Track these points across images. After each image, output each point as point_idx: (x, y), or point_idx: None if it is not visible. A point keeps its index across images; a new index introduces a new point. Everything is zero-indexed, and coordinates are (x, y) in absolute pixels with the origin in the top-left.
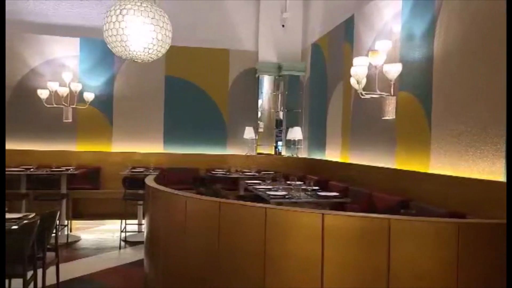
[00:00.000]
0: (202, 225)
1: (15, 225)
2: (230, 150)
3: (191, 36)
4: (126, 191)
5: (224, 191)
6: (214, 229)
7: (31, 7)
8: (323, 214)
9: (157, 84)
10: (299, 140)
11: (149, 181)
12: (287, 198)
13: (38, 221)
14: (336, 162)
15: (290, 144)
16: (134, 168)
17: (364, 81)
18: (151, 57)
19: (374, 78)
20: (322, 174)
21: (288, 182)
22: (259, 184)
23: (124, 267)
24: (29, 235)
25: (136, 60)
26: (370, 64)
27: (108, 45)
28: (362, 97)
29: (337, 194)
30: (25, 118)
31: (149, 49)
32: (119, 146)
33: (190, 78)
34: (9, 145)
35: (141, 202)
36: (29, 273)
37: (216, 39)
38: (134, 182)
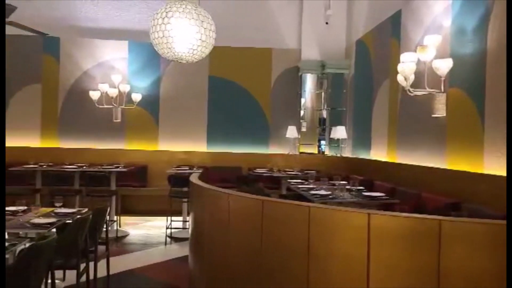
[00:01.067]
0: (245, 223)
1: (69, 220)
2: (272, 149)
3: (234, 36)
4: (172, 188)
5: (267, 190)
6: (257, 227)
7: (84, 13)
8: (369, 214)
9: (201, 84)
10: (343, 139)
11: (194, 178)
12: (331, 198)
13: (91, 216)
14: (382, 162)
15: (333, 143)
16: (178, 166)
17: (412, 78)
18: (195, 58)
19: (422, 75)
20: (367, 174)
21: (332, 181)
22: (302, 183)
23: (169, 262)
24: (82, 229)
25: (181, 61)
26: (418, 60)
27: (154, 47)
28: (410, 94)
29: (383, 194)
30: (78, 119)
31: (194, 49)
32: (164, 145)
33: (233, 78)
34: (64, 144)
35: (185, 200)
36: (82, 265)
37: (259, 38)
38: (179, 180)
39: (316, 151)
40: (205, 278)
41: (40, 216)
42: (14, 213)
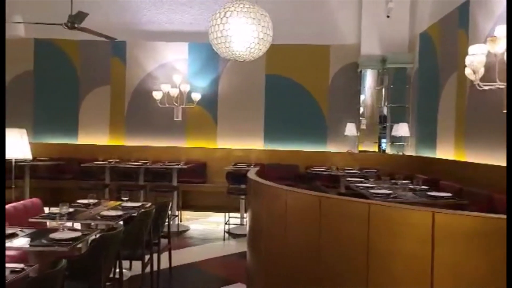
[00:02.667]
0: (303, 220)
1: (135, 213)
2: (330, 147)
3: (291, 34)
4: (230, 185)
5: (324, 188)
6: (315, 224)
7: (148, 17)
8: (433, 212)
9: (258, 83)
10: (405, 137)
11: (251, 174)
12: (393, 197)
13: (154, 210)
14: (449, 160)
15: (395, 141)
16: (236, 164)
17: (481, 71)
18: (253, 56)
19: (493, 68)
20: (431, 173)
21: (394, 180)
22: (362, 182)
23: (227, 258)
24: (146, 222)
25: (238, 59)
26: (488, 52)
27: (213, 47)
28: (480, 88)
29: (449, 195)
30: (142, 118)
31: (251, 48)
32: (222, 143)
33: (290, 75)
34: (129, 142)
35: (243, 196)
36: (146, 257)
37: (316, 35)
38: (237, 177)
39: (376, 149)
40: (263, 274)
41: (109, 209)
42: (86, 206)
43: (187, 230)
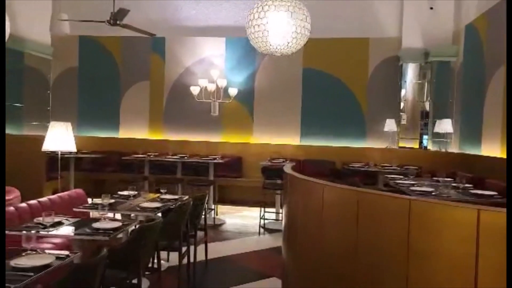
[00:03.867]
0: (340, 215)
1: (173, 205)
2: (369, 143)
3: (329, 27)
4: (265, 180)
5: (362, 184)
6: (352, 220)
7: (187, 13)
8: (479, 209)
9: (295, 77)
10: (448, 133)
11: (287, 169)
12: (434, 195)
13: (191, 203)
14: (496, 158)
15: (437, 137)
16: (272, 159)
17: None
18: (290, 50)
19: None
20: (476, 171)
21: (435, 178)
22: (401, 179)
23: (263, 252)
24: (183, 214)
25: (276, 54)
26: None
27: (250, 42)
28: None
29: (495, 193)
30: (180, 112)
31: (289, 42)
32: (258, 138)
33: (328, 70)
34: (167, 136)
35: (279, 192)
36: (183, 249)
37: (355, 28)
38: (272, 172)
39: (417, 146)
40: (298, 271)
41: (148, 201)
42: (126, 197)
43: (223, 223)
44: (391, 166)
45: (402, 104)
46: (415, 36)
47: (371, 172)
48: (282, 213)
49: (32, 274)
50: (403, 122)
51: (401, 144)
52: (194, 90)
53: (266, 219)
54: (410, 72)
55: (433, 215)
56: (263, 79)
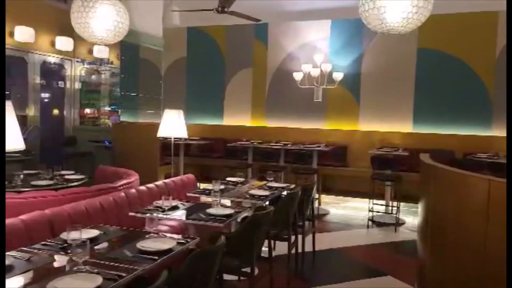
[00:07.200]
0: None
1: (280, 194)
2: (496, 131)
3: (450, 1)
4: (374, 170)
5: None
6: None
7: None
8: None
9: (407, 59)
10: None
11: (426, 159)
12: None
13: (299, 192)
14: None
15: None
16: (381, 147)
17: None
18: (409, 28)
19: None
20: None
21: None
22: None
23: (373, 247)
24: (292, 204)
25: (392, 32)
26: None
27: (363, 21)
28: None
29: None
30: (282, 99)
31: (408, 19)
32: (365, 125)
33: (447, 49)
34: (270, 123)
35: (389, 183)
36: (292, 238)
37: (481, 0)
38: (383, 161)
39: None
40: (447, 276)
41: (255, 188)
42: (234, 184)
43: (327, 214)
44: None
45: None
46: None
47: (500, 163)
48: (392, 205)
49: (156, 258)
50: None
51: None
52: (297, 76)
53: (375, 211)
54: None
55: None
56: (371, 62)
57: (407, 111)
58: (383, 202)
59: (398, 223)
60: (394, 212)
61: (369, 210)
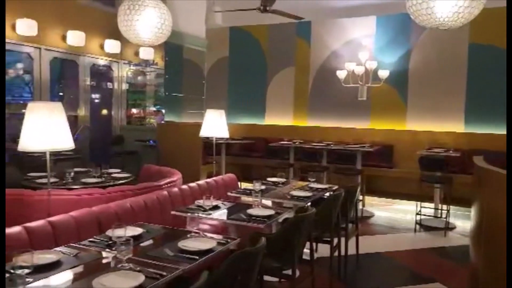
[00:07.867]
0: None
1: (322, 195)
2: None
3: None
4: (423, 172)
5: None
6: None
7: None
8: None
9: (458, 55)
10: None
11: (479, 161)
12: None
13: (343, 193)
14: None
15: None
16: (430, 148)
17: None
18: (460, 22)
19: None
20: None
21: None
22: None
23: (420, 252)
24: (335, 205)
25: (442, 27)
26: None
27: (411, 15)
28: None
29: None
30: (325, 98)
31: (459, 13)
32: (412, 124)
33: (501, 44)
34: (312, 123)
35: (438, 185)
36: (334, 241)
37: None
38: (432, 162)
39: None
40: (501, 279)
41: (297, 189)
42: (275, 184)
43: (371, 216)
44: None
45: None
46: None
47: None
48: (442, 209)
49: (197, 257)
50: None
51: None
52: (341, 74)
53: (423, 214)
54: None
55: None
56: (419, 59)
57: (458, 110)
58: (431, 205)
59: (448, 228)
60: (444, 215)
61: (417, 213)
